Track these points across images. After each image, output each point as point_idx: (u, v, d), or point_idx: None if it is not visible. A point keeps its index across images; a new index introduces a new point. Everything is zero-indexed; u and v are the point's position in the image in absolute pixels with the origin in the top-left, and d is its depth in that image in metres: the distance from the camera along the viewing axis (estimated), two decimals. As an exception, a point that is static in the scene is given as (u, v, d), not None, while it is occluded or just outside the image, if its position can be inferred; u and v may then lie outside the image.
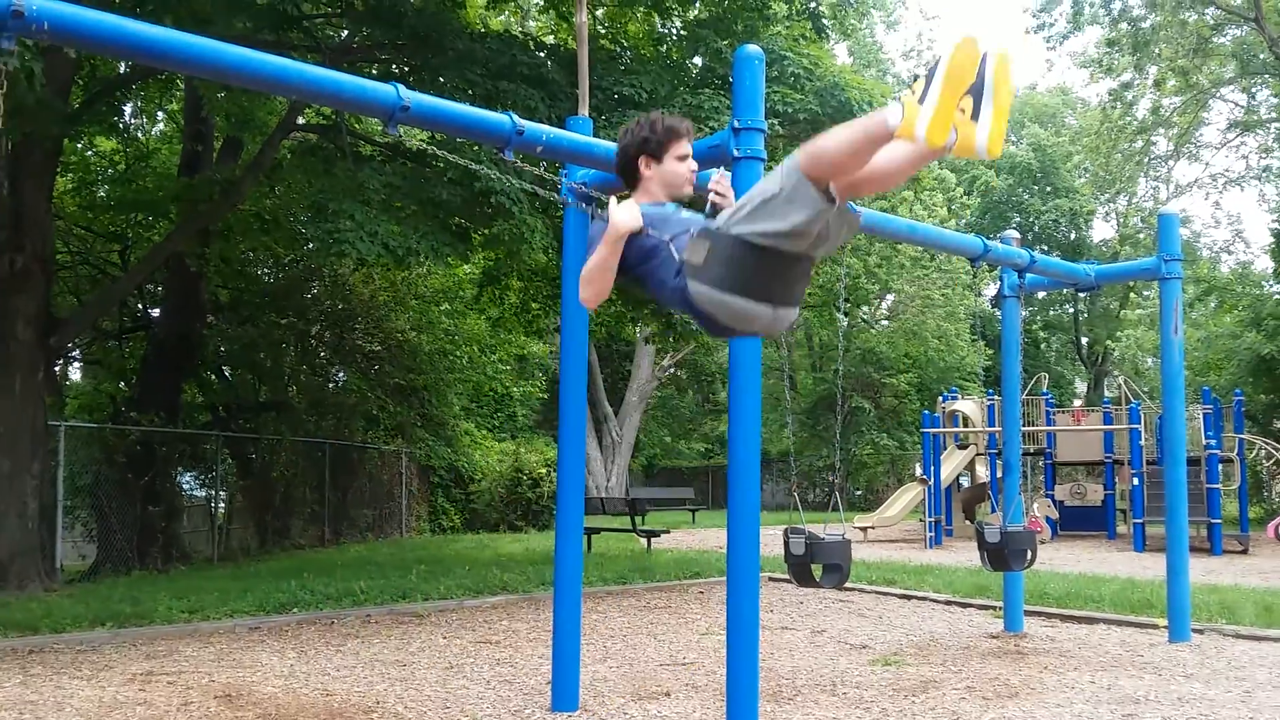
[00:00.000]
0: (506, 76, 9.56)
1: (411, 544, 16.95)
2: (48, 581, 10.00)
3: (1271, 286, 25.05)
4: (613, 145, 4.54)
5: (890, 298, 33.50)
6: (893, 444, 29.86)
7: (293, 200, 12.28)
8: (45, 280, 10.67)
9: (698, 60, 11.59)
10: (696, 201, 3.09)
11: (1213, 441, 15.53)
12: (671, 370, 33.29)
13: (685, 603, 9.28)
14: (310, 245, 12.29)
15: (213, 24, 8.01)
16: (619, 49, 11.94)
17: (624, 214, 2.75)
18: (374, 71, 10.88)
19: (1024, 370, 8.27)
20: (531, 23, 18.07)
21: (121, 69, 12.49)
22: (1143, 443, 16.07)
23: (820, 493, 32.22)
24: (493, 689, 5.52)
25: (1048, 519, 17.17)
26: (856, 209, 2.63)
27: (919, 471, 18.99)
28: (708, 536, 18.46)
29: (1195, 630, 7.16)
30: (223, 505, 15.95)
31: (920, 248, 26.91)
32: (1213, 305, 29.71)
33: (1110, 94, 26.67)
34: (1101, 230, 42.67)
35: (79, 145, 15.28)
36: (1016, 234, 7.59)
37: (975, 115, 2.20)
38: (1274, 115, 28.33)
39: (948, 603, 9.01)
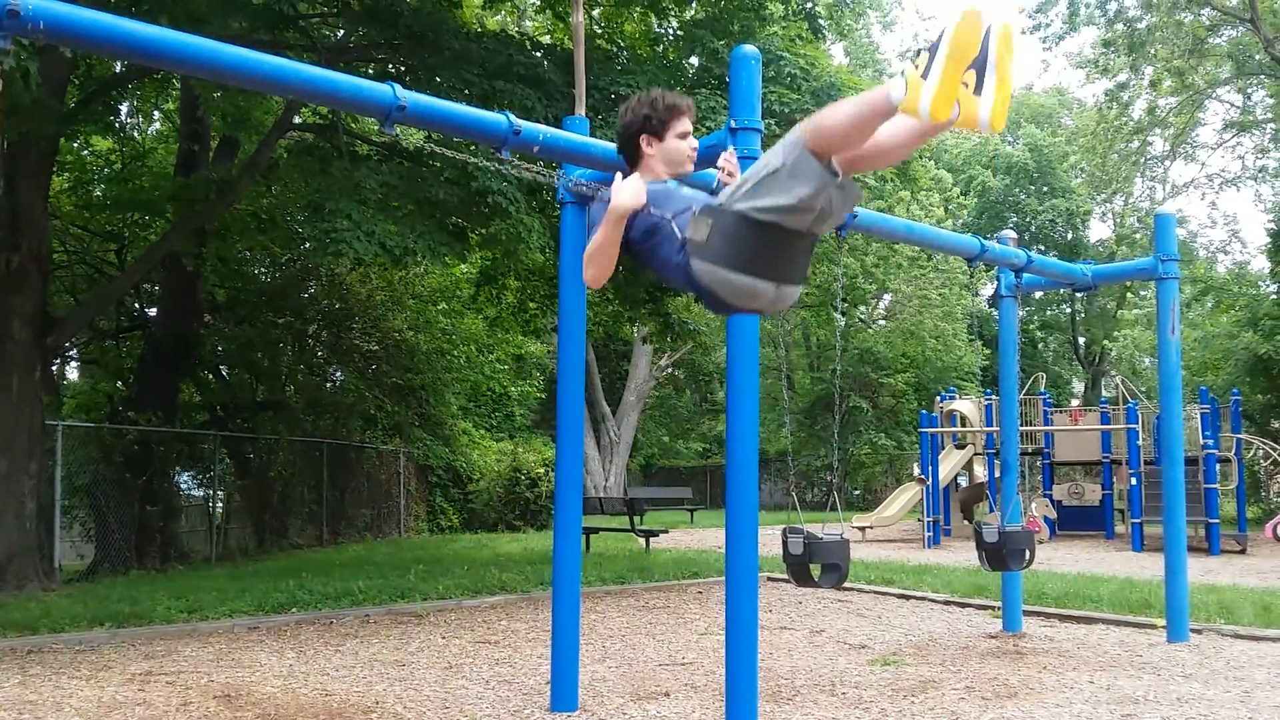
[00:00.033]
0: (503, 76, 9.55)
1: (410, 544, 16.94)
2: (46, 581, 9.98)
3: (1268, 286, 25.08)
4: (609, 145, 4.54)
5: (888, 297, 33.53)
6: (890, 444, 29.88)
7: (289, 200, 12.28)
8: (42, 279, 10.66)
9: (694, 60, 11.59)
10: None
11: (1210, 441, 15.53)
12: (669, 370, 33.28)
13: (684, 603, 9.28)
14: (307, 245, 12.28)
15: (208, 23, 8.00)
16: (615, 49, 11.94)
17: (624, 193, 2.74)
18: (370, 71, 10.87)
19: (1021, 370, 8.28)
20: (528, 22, 18.05)
21: (117, 68, 12.48)
22: (1140, 443, 16.08)
23: (818, 492, 32.23)
24: (492, 689, 5.51)
25: (1046, 519, 17.17)
26: (857, 185, 2.62)
27: (917, 471, 19.00)
28: (706, 536, 18.46)
29: (1194, 630, 7.17)
30: (220, 505, 15.93)
31: (917, 248, 26.93)
32: (1210, 305, 29.79)
33: (1106, 94, 26.69)
34: (1098, 230, 42.77)
35: (75, 144, 15.25)
36: (1013, 234, 7.59)
37: (979, 88, 2.18)
38: (1270, 116, 28.37)
39: (946, 602, 9.01)
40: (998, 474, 11.68)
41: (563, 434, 5.18)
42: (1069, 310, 42.09)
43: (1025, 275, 7.17)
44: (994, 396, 17.27)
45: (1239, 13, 22.45)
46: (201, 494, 15.97)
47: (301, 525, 16.50)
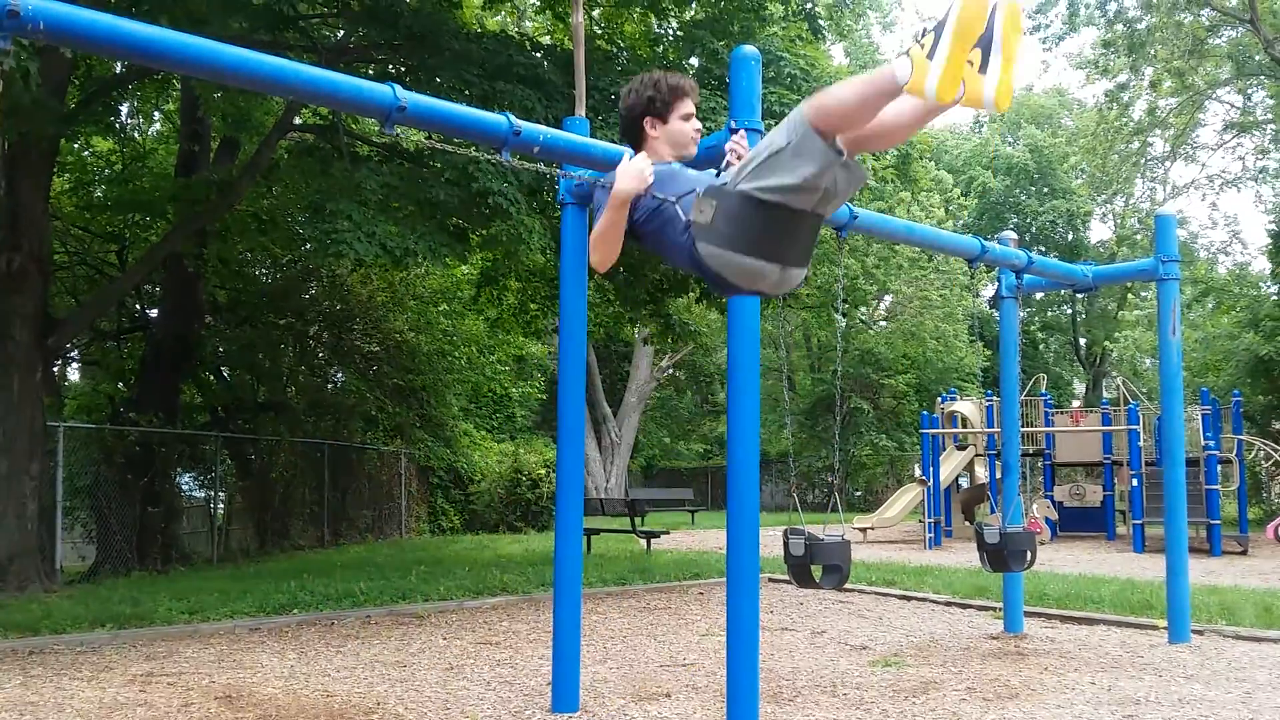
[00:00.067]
0: (503, 77, 9.56)
1: (411, 545, 16.93)
2: (47, 583, 9.98)
3: (1269, 287, 25.07)
4: (610, 146, 4.54)
5: (888, 299, 33.52)
6: (892, 445, 29.87)
7: (290, 200, 12.29)
8: (42, 280, 10.66)
9: (694, 61, 11.59)
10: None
11: (1211, 442, 15.52)
12: (670, 371, 33.30)
13: (685, 604, 9.28)
14: (308, 246, 12.28)
15: (209, 24, 8.01)
16: (615, 49, 11.95)
17: (625, 178, 2.73)
18: (370, 72, 10.87)
19: (1022, 371, 8.28)
20: (528, 23, 18.05)
21: (118, 69, 12.49)
22: (1141, 444, 16.07)
23: (819, 493, 32.22)
24: (493, 690, 5.51)
25: (1047, 520, 17.16)
26: (861, 165, 2.60)
27: (918, 472, 18.98)
28: (707, 537, 18.46)
29: (1195, 631, 7.16)
30: (222, 506, 15.93)
31: (918, 249, 26.93)
32: (1210, 306, 29.76)
33: (1106, 95, 26.70)
34: (1099, 231, 42.77)
35: (75, 145, 15.26)
36: (1014, 235, 7.58)
37: (984, 67, 2.17)
38: (1270, 116, 28.36)
39: (947, 604, 9.01)
40: (999, 475, 11.67)
41: (564, 435, 5.18)
42: (1070, 311, 42.09)
43: (1026, 276, 7.16)
44: (995, 397, 17.26)
45: (1239, 13, 22.44)
46: (203, 495, 15.97)
47: (303, 526, 16.50)
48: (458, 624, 7.96)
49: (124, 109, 16.02)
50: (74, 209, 15.47)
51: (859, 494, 32.84)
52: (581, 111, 5.90)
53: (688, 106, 3.00)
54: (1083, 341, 42.51)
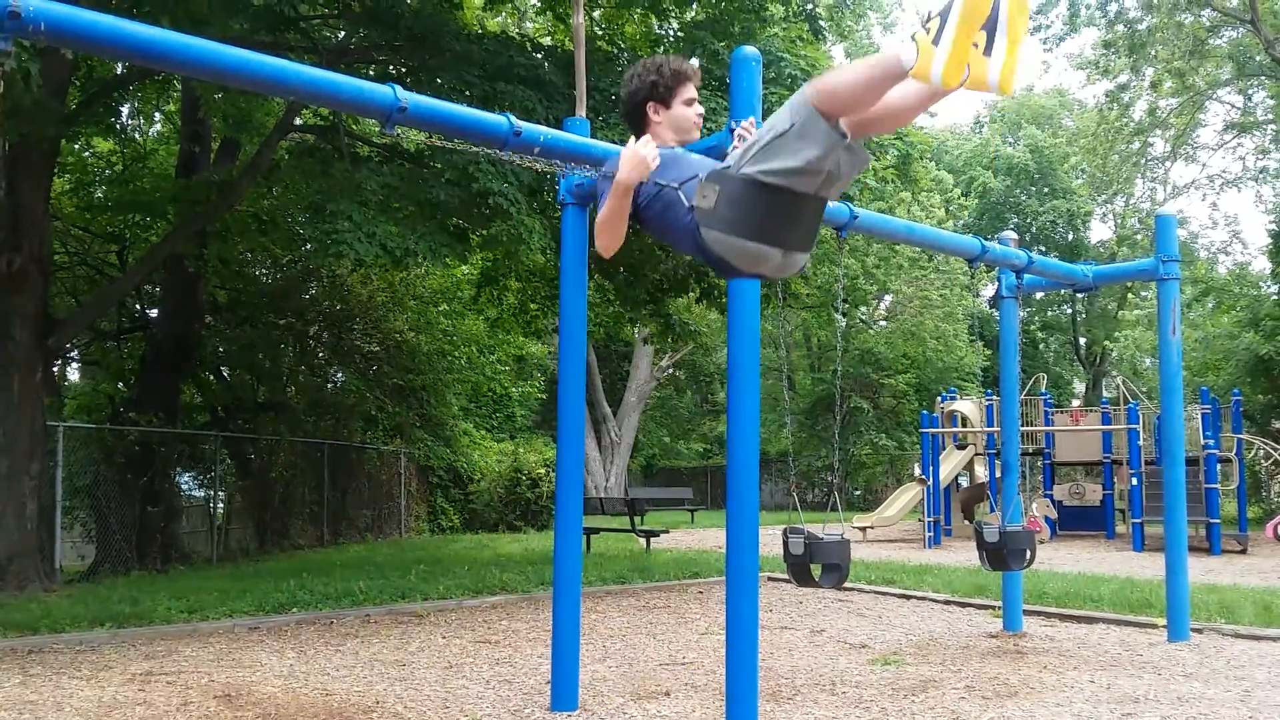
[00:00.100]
0: (504, 78, 9.56)
1: (410, 544, 16.95)
2: (47, 582, 9.99)
3: (1269, 287, 25.08)
4: (611, 147, 4.55)
5: (888, 298, 33.53)
6: (891, 444, 29.88)
7: (290, 201, 12.29)
8: (43, 281, 10.66)
9: (695, 62, 11.58)
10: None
11: (1211, 441, 15.53)
12: (670, 370, 33.30)
13: (684, 602, 9.29)
14: (308, 246, 12.28)
15: (209, 25, 8.01)
16: (616, 50, 11.95)
17: (629, 167, 2.73)
18: (371, 72, 10.88)
19: (1022, 370, 8.28)
20: (528, 24, 18.06)
21: (119, 70, 12.50)
22: (1141, 443, 16.08)
23: (819, 493, 32.23)
24: (492, 689, 5.52)
25: (1046, 519, 17.17)
26: (865, 148, 2.60)
27: (918, 471, 18.99)
28: (706, 536, 18.46)
29: (1194, 630, 7.17)
30: (221, 505, 15.95)
31: (918, 248, 26.93)
32: (1210, 306, 29.77)
33: (1107, 95, 26.71)
34: (1099, 231, 42.78)
35: (76, 146, 15.27)
36: (1014, 235, 7.59)
37: (988, 49, 2.16)
38: (1270, 117, 28.36)
39: (947, 602, 9.02)
40: (998, 474, 11.68)
41: (563, 434, 5.19)
42: (1070, 311, 42.10)
43: (1026, 276, 7.17)
44: (995, 397, 17.27)
45: (1239, 14, 22.45)
46: (202, 495, 15.98)
47: (302, 526, 16.51)
48: (457, 623, 7.97)
49: (125, 110, 16.04)
50: (75, 209, 15.47)
51: (858, 493, 32.85)
52: (582, 112, 5.91)
53: (690, 91, 3.01)
54: (1083, 341, 42.52)
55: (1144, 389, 26.23)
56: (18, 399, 10.00)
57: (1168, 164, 33.03)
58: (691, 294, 12.93)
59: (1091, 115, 32.90)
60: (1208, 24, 23.88)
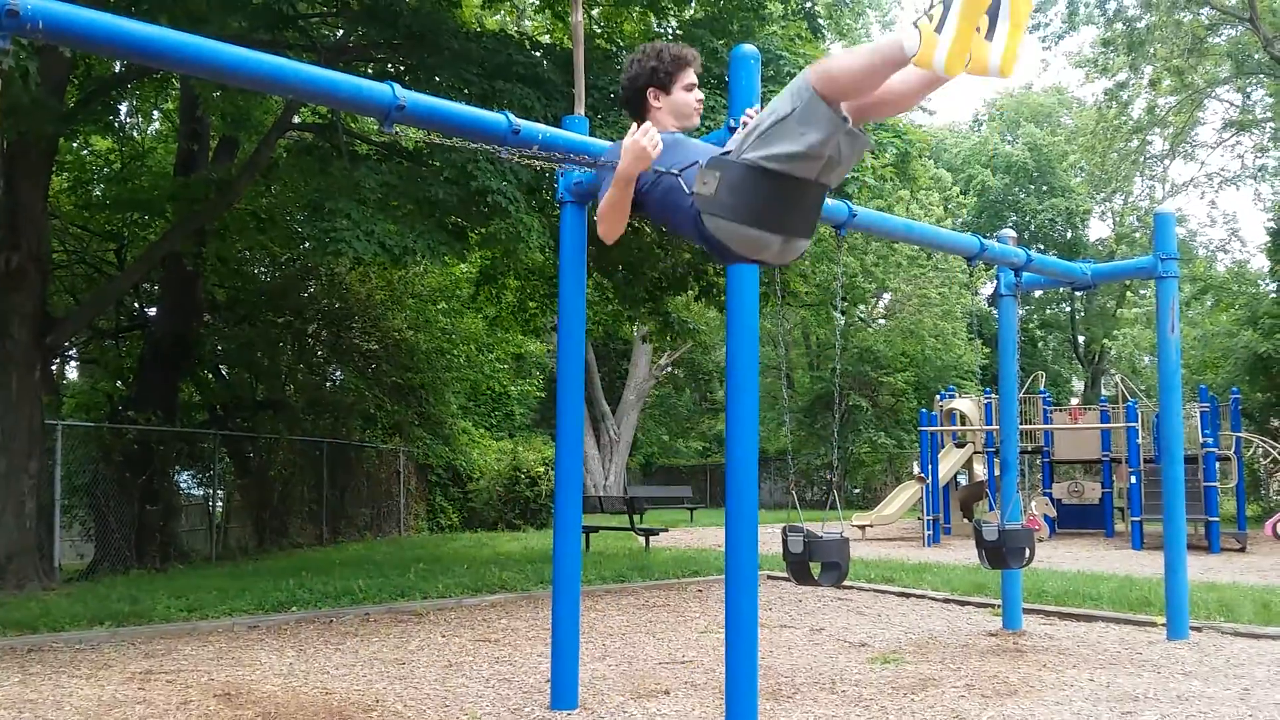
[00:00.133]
0: (502, 76, 9.55)
1: (410, 542, 16.94)
2: (46, 581, 9.99)
3: (1267, 285, 25.08)
4: (610, 145, 4.54)
5: (887, 296, 33.55)
6: (890, 442, 29.90)
7: (289, 199, 12.28)
8: (41, 279, 10.66)
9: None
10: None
11: (1210, 440, 15.53)
12: (669, 369, 33.30)
13: (684, 601, 9.29)
14: (306, 244, 12.28)
15: (208, 23, 8.00)
16: (615, 48, 11.94)
17: (630, 158, 2.72)
18: (370, 71, 10.87)
19: (1021, 369, 8.29)
20: (527, 22, 18.04)
21: (117, 68, 12.47)
22: (1140, 441, 16.09)
23: (818, 491, 32.25)
24: (492, 687, 5.52)
25: (1046, 517, 17.18)
26: (865, 132, 2.59)
27: (917, 470, 18.99)
28: (706, 535, 18.47)
29: (1193, 628, 7.17)
30: (220, 504, 15.94)
31: (917, 247, 26.94)
32: (1209, 304, 29.78)
33: (1106, 93, 26.68)
34: (1098, 229, 42.79)
35: (74, 144, 15.25)
36: (1013, 233, 7.58)
37: (990, 33, 2.15)
38: (1269, 115, 28.37)
39: (946, 601, 9.02)
40: (997, 472, 11.69)
41: (562, 433, 5.18)
42: (1068, 309, 42.11)
43: (1025, 274, 7.17)
44: (993, 395, 17.28)
45: (1238, 12, 22.44)
46: (201, 493, 15.98)
47: (301, 524, 16.51)
48: (456, 621, 7.97)
49: (123, 108, 16.00)
50: (73, 208, 15.45)
51: (858, 491, 32.87)
52: (581, 110, 5.90)
53: (690, 77, 3.00)
54: (1081, 339, 42.53)
55: (1143, 387, 26.24)
56: (16, 397, 9.99)
57: (1166, 162, 33.05)
58: (690, 292, 12.93)
59: (1090, 113, 32.90)
60: (1206, 22, 23.87)
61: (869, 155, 11.16)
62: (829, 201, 5.14)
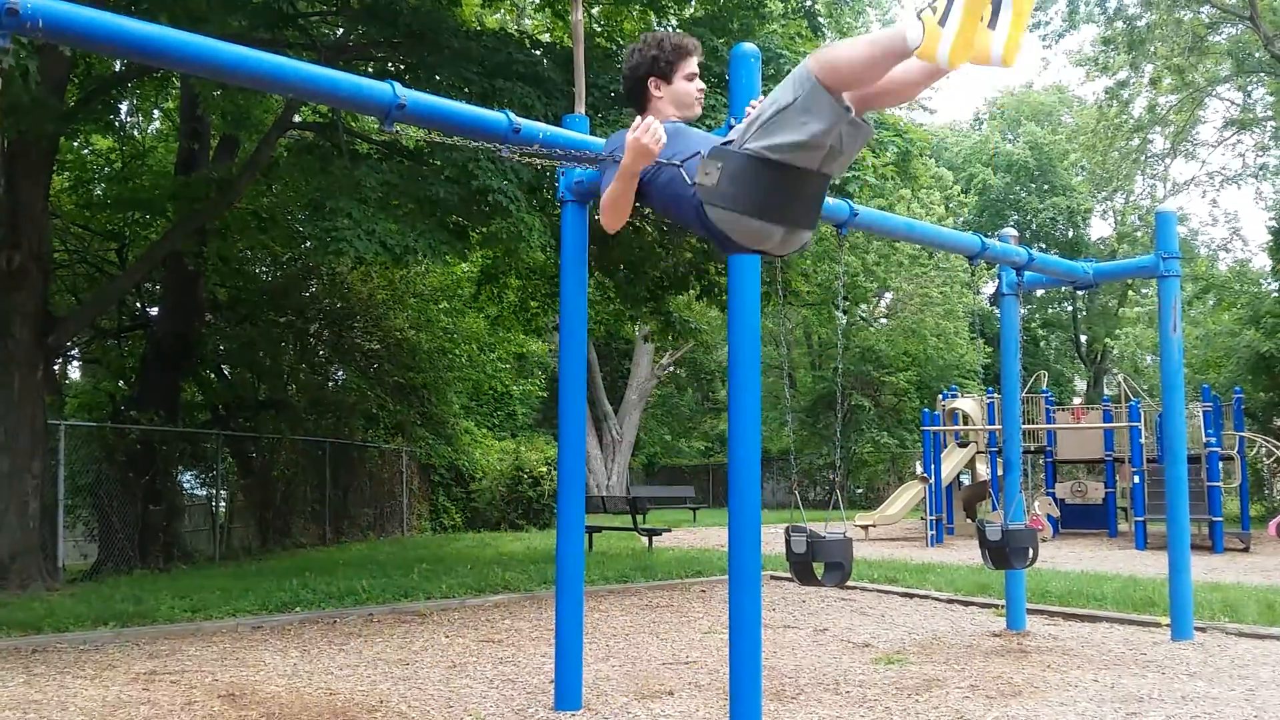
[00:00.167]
0: (503, 74, 9.54)
1: (413, 543, 16.94)
2: (50, 581, 9.99)
3: (1269, 284, 25.06)
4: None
5: (889, 296, 33.52)
6: (893, 442, 29.87)
7: (290, 198, 12.27)
8: (43, 279, 10.65)
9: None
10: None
11: (1213, 439, 15.51)
12: (671, 368, 33.31)
13: (687, 601, 9.27)
14: (308, 244, 12.26)
15: (208, 22, 7.99)
16: (615, 47, 11.93)
17: (633, 153, 2.71)
18: (370, 69, 10.86)
19: (1023, 368, 8.26)
20: (527, 21, 18.03)
21: (117, 67, 12.46)
22: (1143, 440, 16.07)
23: (821, 491, 32.23)
24: (496, 688, 5.51)
25: (1049, 517, 17.16)
26: (868, 123, 2.59)
27: (919, 469, 18.98)
28: (709, 535, 18.46)
29: (1198, 628, 7.15)
30: (223, 504, 15.94)
31: (918, 246, 26.92)
32: (1211, 303, 29.72)
33: (1106, 92, 26.66)
34: (1099, 228, 42.78)
35: (75, 143, 15.25)
36: (1014, 232, 7.56)
37: (993, 22, 2.14)
38: (1270, 113, 28.32)
39: (950, 601, 9.00)
40: (1000, 472, 11.68)
41: (565, 433, 5.17)
42: (1070, 308, 42.08)
43: (1026, 273, 7.15)
44: (996, 394, 17.25)
45: (1238, 10, 22.41)
46: (204, 493, 15.98)
47: (304, 524, 16.51)
48: (460, 622, 7.96)
49: (123, 107, 16.00)
50: (74, 207, 15.45)
51: (860, 491, 32.84)
52: (581, 109, 5.90)
53: (691, 66, 2.99)
54: (1083, 338, 42.50)
55: (1145, 386, 26.22)
56: (18, 397, 9.99)
57: (1167, 161, 33.01)
58: (692, 291, 12.91)
59: (1091, 112, 32.85)
60: (1207, 20, 23.84)
61: (870, 154, 11.15)
62: (830, 201, 5.13)
